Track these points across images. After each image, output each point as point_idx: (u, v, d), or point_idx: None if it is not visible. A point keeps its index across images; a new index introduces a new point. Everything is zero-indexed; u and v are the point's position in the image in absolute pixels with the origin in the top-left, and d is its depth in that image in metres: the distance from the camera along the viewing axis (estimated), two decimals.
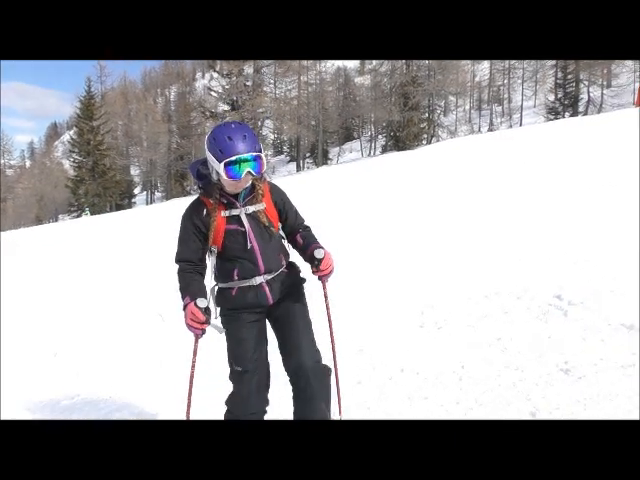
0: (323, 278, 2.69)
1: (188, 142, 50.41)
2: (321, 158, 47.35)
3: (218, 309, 2.77)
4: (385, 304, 5.24)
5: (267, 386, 2.76)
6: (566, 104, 44.64)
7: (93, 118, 50.51)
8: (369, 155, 48.44)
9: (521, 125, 44.17)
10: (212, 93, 43.94)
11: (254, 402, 2.69)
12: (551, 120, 38.79)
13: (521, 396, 3.13)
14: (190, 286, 2.60)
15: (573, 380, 3.21)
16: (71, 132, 63.81)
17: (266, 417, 2.78)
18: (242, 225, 2.61)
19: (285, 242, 2.85)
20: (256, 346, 2.71)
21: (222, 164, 2.44)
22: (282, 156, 63.81)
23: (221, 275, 2.70)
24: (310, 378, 2.64)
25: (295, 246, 2.83)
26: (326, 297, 2.85)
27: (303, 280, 2.87)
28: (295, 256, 2.88)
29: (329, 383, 2.75)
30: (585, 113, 41.22)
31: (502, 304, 4.68)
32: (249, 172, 2.46)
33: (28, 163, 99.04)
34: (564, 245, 6.13)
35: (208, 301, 2.56)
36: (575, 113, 42.74)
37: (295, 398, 2.72)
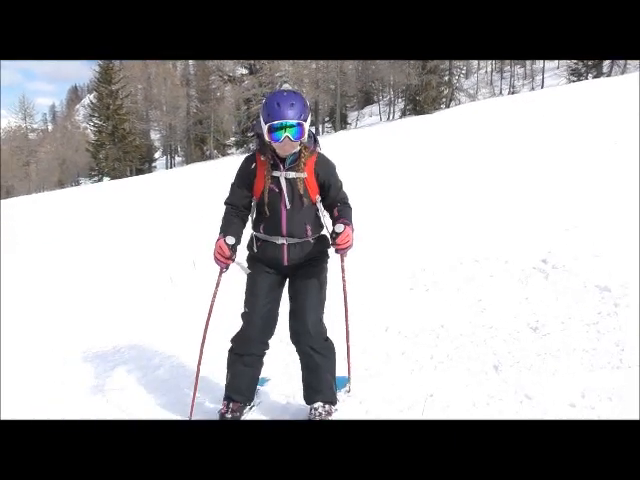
0: (340, 252, 2.82)
1: (207, 106, 50.47)
2: (339, 123, 47.12)
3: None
4: (380, 267, 5.50)
5: (270, 333, 2.99)
6: (589, 65, 43.60)
7: (112, 82, 50.74)
8: (388, 119, 48.06)
9: (542, 87, 43.34)
10: None
11: (255, 343, 2.96)
12: (573, 82, 38.03)
13: (489, 351, 3.40)
14: (226, 225, 2.90)
15: (539, 336, 3.48)
16: (91, 96, 64.03)
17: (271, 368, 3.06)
18: (279, 187, 2.82)
19: (322, 214, 2.95)
20: (267, 294, 2.95)
21: (266, 126, 2.64)
22: None
23: (254, 225, 2.97)
24: (314, 345, 2.87)
25: (331, 217, 2.98)
26: (343, 270, 3.00)
27: (327, 255, 3.02)
28: None
29: (332, 354, 2.97)
30: (609, 74, 40.26)
31: (490, 268, 4.92)
32: (288, 137, 2.65)
33: (50, 127, 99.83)
34: (558, 211, 6.31)
35: (238, 242, 2.84)
36: (599, 74, 41.77)
37: (302, 363, 2.97)
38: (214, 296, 2.98)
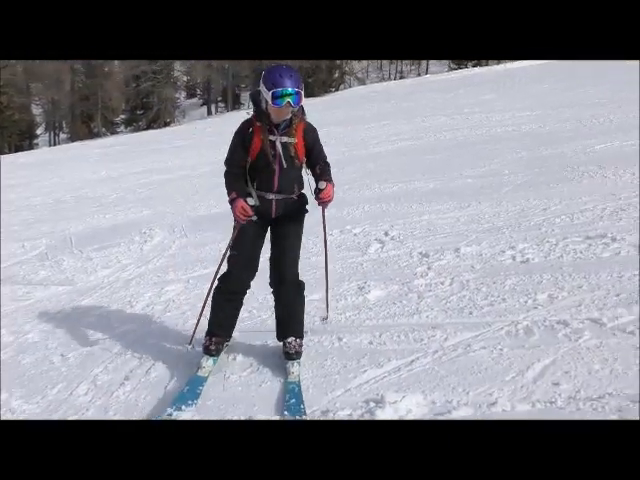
0: (322, 205, 3.42)
1: (93, 82, 48.35)
2: (231, 102, 46.98)
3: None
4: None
5: (253, 275, 3.52)
6: None
7: None
8: None
9: (427, 73, 45.57)
10: None
11: (240, 283, 3.50)
12: (453, 69, 40.37)
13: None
14: (235, 183, 3.35)
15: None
16: None
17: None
18: (274, 149, 3.29)
19: (305, 173, 3.49)
20: (253, 241, 3.46)
21: (270, 93, 3.12)
22: (195, 99, 62.34)
23: (249, 181, 3.41)
24: (289, 289, 3.48)
25: (313, 175, 3.47)
26: (324, 219, 3.65)
27: (306, 210, 3.54)
28: None
29: (303, 294, 3.57)
30: (487, 63, 43.04)
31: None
32: (289, 102, 3.12)
33: None
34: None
35: (255, 200, 3.32)
36: (479, 63, 44.51)
37: (276, 304, 3.56)
38: (229, 246, 3.45)
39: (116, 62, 45.75)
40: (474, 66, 42.52)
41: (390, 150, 11.46)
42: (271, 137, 3.30)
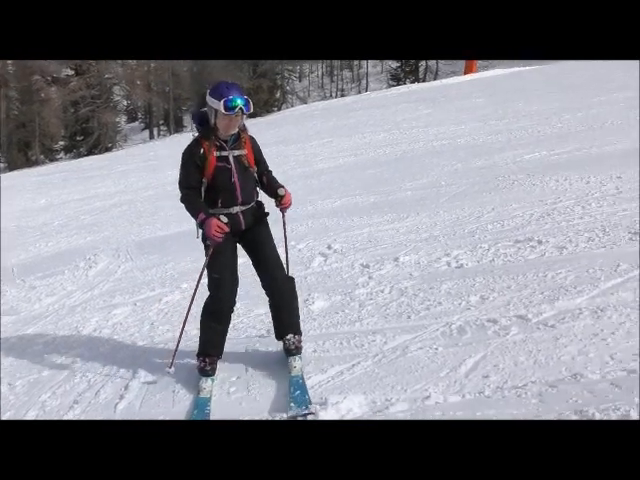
0: (283, 210, 3.61)
1: (30, 108, 47.19)
2: (173, 125, 46.72)
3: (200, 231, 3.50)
4: None
5: (236, 292, 3.61)
6: (407, 71, 47.69)
7: None
8: None
9: (367, 90, 46.52)
10: None
11: (227, 303, 3.57)
12: (393, 86, 41.35)
13: None
14: (199, 205, 3.40)
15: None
16: None
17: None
18: (229, 163, 3.39)
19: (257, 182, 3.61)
20: (230, 258, 3.55)
21: (222, 102, 3.21)
22: (136, 123, 61.57)
23: (208, 203, 3.47)
24: (282, 288, 3.60)
25: (261, 184, 3.63)
26: (284, 224, 3.79)
27: (267, 213, 3.67)
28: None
29: (295, 289, 3.70)
30: (424, 80, 44.36)
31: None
32: (240, 108, 3.24)
33: None
34: None
35: (225, 217, 3.33)
36: (417, 79, 45.84)
37: (272, 305, 3.67)
38: (203, 268, 3.51)
39: (53, 88, 44.75)
40: (412, 82, 43.75)
41: (332, 167, 11.70)
42: (223, 152, 3.40)
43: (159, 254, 7.19)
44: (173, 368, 3.68)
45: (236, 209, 3.50)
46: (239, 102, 3.24)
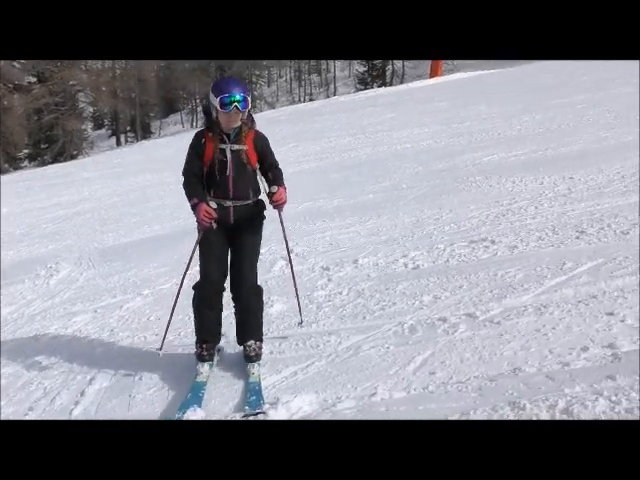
0: (277, 208, 3.55)
1: None
2: (140, 132, 46.31)
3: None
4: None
5: (225, 278, 3.63)
6: (374, 75, 48.15)
7: None
8: (192, 127, 48.35)
9: (335, 95, 46.79)
10: (15, 64, 40.71)
11: (215, 287, 3.59)
12: (361, 90, 41.68)
13: None
14: (196, 191, 3.46)
15: None
16: None
17: None
18: (225, 157, 3.43)
19: (259, 179, 3.62)
20: (220, 247, 3.57)
21: (218, 99, 3.27)
22: (103, 130, 60.80)
23: (206, 190, 3.52)
24: (248, 294, 3.62)
25: (266, 181, 3.62)
26: (282, 222, 3.76)
27: (264, 216, 3.68)
28: None
29: (262, 299, 3.74)
30: (390, 84, 44.82)
31: None
32: (236, 106, 3.27)
33: None
34: None
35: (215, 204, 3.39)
36: (384, 83, 46.31)
37: (237, 309, 3.70)
38: (194, 250, 3.59)
39: (15, 96, 43.96)
40: (379, 86, 44.18)
41: (297, 171, 11.78)
42: (222, 145, 3.46)
43: (122, 261, 7.17)
44: (162, 351, 3.77)
45: (228, 203, 3.54)
46: (235, 99, 3.29)
